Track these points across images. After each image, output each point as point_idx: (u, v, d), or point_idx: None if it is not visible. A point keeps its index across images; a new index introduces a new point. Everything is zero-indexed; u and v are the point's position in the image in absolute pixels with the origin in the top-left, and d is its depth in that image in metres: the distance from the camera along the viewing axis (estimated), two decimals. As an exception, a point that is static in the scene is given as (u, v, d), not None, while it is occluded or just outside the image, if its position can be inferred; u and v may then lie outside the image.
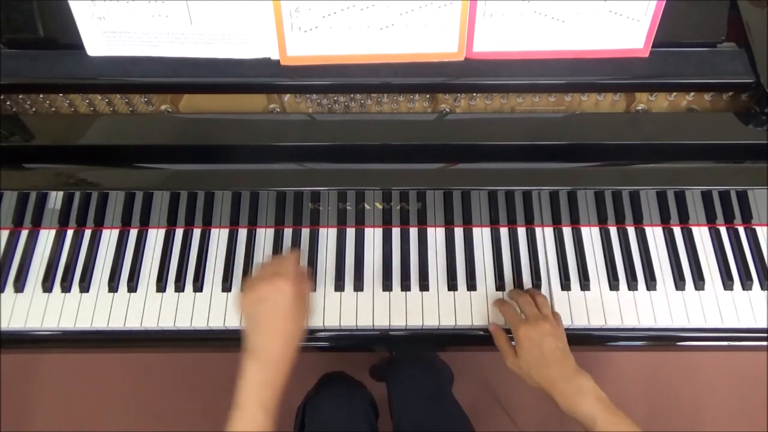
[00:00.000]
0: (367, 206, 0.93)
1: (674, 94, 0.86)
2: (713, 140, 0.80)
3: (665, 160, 0.81)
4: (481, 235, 0.96)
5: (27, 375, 1.66)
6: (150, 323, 0.90)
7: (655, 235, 0.96)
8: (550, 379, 0.76)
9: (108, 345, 0.93)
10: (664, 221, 0.95)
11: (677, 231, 0.96)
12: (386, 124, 0.82)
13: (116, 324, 0.90)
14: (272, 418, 0.67)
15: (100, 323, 0.90)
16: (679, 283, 0.92)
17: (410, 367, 1.05)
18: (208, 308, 0.91)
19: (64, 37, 0.82)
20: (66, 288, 0.92)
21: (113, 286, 0.92)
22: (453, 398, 1.02)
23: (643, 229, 0.96)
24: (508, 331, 0.86)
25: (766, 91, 0.80)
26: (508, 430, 1.51)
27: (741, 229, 0.96)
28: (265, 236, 0.96)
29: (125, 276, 0.93)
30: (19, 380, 1.65)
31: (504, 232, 0.96)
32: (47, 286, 0.92)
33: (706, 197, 0.92)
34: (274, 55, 0.81)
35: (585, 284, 0.92)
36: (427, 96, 0.87)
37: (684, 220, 0.95)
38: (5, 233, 0.96)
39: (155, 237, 0.96)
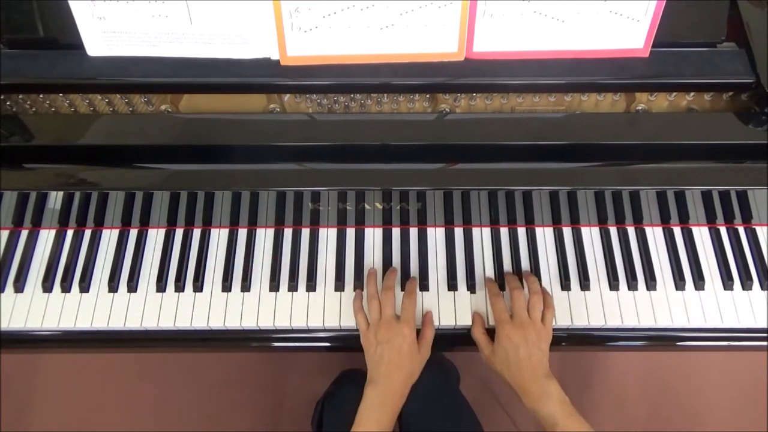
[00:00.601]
0: (367, 206, 0.93)
1: (674, 94, 0.86)
2: (713, 140, 0.80)
3: (665, 160, 0.81)
4: (481, 235, 0.96)
5: (27, 375, 1.66)
6: (150, 323, 0.90)
7: (655, 235, 0.96)
8: (519, 380, 0.80)
9: (108, 345, 0.93)
10: (664, 221, 0.95)
11: (677, 231, 0.96)
12: (386, 124, 0.82)
13: (116, 324, 0.90)
14: None
15: (100, 323, 0.90)
16: (679, 283, 0.92)
17: None
18: (208, 308, 0.91)
19: (64, 37, 0.82)
20: (66, 288, 0.92)
21: (113, 286, 0.92)
22: (461, 396, 1.02)
23: (643, 229, 0.96)
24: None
25: (766, 91, 0.80)
26: (508, 430, 1.51)
27: (741, 229, 0.96)
28: (265, 236, 0.96)
29: (125, 276, 0.93)
30: (19, 380, 1.65)
31: (504, 232, 0.96)
32: (47, 286, 0.92)
33: (706, 197, 0.92)
34: (274, 55, 0.81)
35: (585, 284, 0.92)
36: (427, 96, 0.87)
37: (684, 220, 0.95)
38: (5, 233, 0.96)
39: (155, 237, 0.96)
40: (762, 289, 0.91)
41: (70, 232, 0.96)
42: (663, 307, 0.90)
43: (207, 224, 0.96)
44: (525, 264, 0.94)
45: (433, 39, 0.80)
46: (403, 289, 0.91)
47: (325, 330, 0.91)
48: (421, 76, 0.82)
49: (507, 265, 0.94)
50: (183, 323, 0.90)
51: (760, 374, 1.63)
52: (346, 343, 0.92)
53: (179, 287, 0.92)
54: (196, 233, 0.96)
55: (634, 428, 1.59)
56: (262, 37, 0.80)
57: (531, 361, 0.80)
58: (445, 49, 0.81)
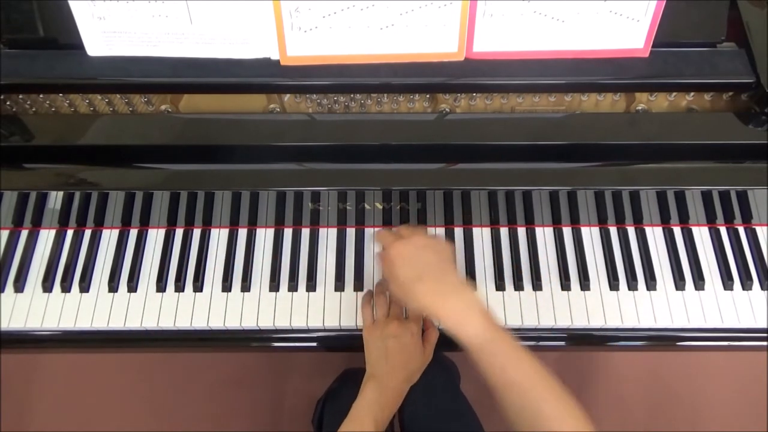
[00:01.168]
0: (367, 206, 0.93)
1: (674, 94, 0.86)
2: (713, 140, 0.80)
3: (665, 160, 0.81)
4: (481, 235, 0.96)
5: (27, 375, 1.66)
6: (150, 323, 0.90)
7: (655, 235, 0.96)
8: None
9: (108, 345, 0.93)
10: (664, 221, 0.95)
11: (677, 231, 0.96)
12: (386, 124, 0.82)
13: (116, 324, 0.90)
14: None
15: (100, 323, 0.90)
16: (679, 283, 0.92)
17: None
18: (208, 308, 0.91)
19: (64, 37, 0.82)
20: (66, 288, 0.92)
21: (113, 286, 0.92)
22: (463, 396, 1.02)
23: (643, 229, 0.96)
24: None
25: (766, 91, 0.80)
26: (508, 430, 1.51)
27: (741, 229, 0.96)
28: (265, 236, 0.96)
29: (125, 276, 0.93)
30: (19, 380, 1.65)
31: (504, 232, 0.96)
32: (47, 286, 0.92)
33: (706, 197, 0.92)
34: (274, 55, 0.82)
35: (585, 284, 0.92)
36: (427, 96, 0.87)
37: (684, 220, 0.95)
38: (5, 233, 0.96)
39: (155, 237, 0.96)
40: (762, 289, 0.91)
41: (70, 232, 0.96)
42: (663, 307, 0.90)
43: (207, 224, 0.96)
44: (525, 264, 0.93)
45: (433, 39, 0.80)
46: None
47: (325, 330, 0.91)
48: (421, 76, 0.82)
49: (507, 265, 0.94)
50: (183, 323, 0.90)
51: (760, 374, 1.63)
52: (347, 343, 0.91)
53: (179, 287, 0.92)
54: (196, 233, 0.96)
55: (634, 428, 1.59)
56: (262, 37, 0.80)
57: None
58: (445, 49, 0.81)
